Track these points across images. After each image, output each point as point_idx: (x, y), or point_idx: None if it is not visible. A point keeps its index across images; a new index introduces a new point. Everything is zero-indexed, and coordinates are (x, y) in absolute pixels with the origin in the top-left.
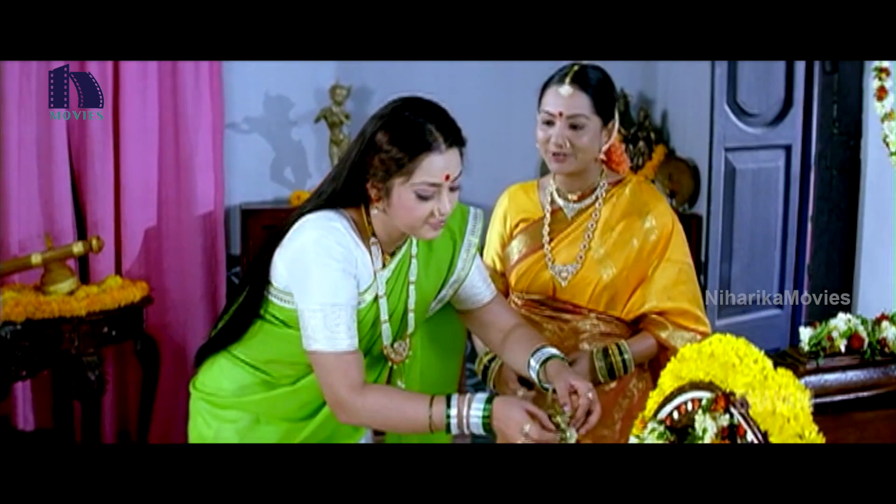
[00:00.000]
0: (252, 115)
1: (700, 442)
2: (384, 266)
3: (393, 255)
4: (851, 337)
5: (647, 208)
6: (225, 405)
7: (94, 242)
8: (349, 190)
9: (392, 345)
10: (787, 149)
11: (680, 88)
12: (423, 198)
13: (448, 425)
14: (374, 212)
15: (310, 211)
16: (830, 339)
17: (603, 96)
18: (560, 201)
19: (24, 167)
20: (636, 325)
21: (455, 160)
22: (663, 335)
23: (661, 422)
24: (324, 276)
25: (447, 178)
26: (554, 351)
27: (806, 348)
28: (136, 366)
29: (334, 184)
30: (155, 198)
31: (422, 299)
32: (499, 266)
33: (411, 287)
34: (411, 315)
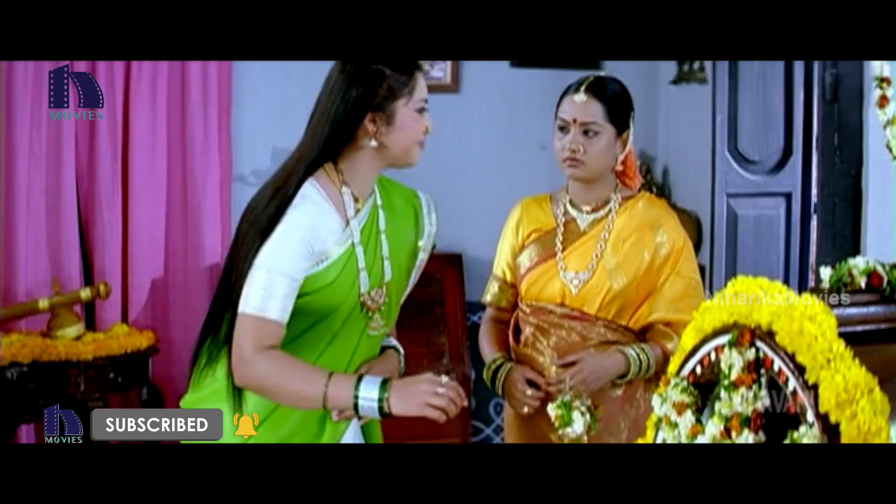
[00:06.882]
0: (260, 168)
1: (726, 380)
2: (356, 213)
3: (365, 202)
4: (871, 275)
5: (659, 222)
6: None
7: (102, 288)
8: (329, 148)
9: (369, 292)
10: (788, 196)
11: (681, 140)
12: (421, 112)
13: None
14: (348, 159)
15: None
16: (851, 275)
17: (617, 106)
18: (573, 212)
19: (33, 215)
20: (642, 336)
21: None
22: (669, 346)
23: (684, 378)
24: (282, 242)
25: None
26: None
27: (827, 285)
28: None
29: (310, 155)
30: (162, 249)
31: (395, 247)
32: (509, 277)
33: (382, 236)
34: (387, 263)
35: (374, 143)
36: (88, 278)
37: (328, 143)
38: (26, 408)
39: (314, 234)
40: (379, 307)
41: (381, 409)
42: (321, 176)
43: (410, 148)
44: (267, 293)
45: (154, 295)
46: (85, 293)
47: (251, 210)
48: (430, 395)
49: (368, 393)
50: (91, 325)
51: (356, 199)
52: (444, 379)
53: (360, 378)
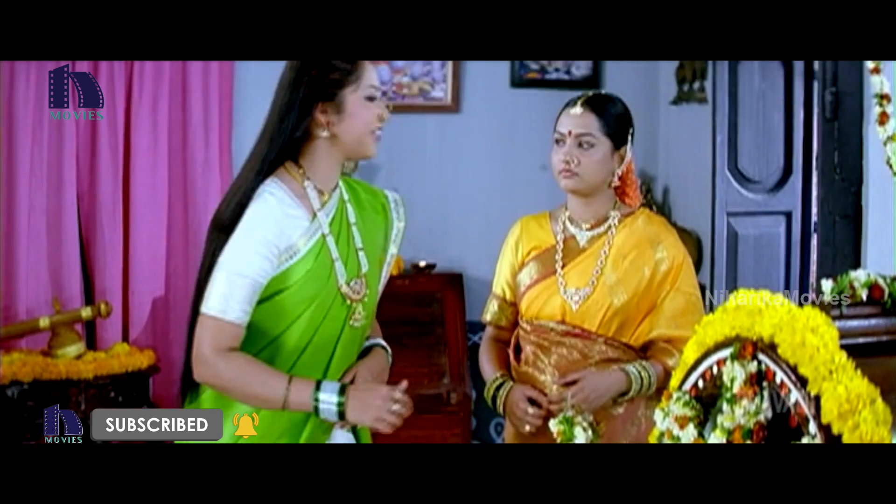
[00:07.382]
0: None
1: (728, 393)
2: (323, 205)
3: (330, 195)
4: (872, 287)
5: (659, 239)
6: None
7: (103, 307)
8: (285, 143)
9: (348, 283)
10: (788, 215)
11: (681, 160)
12: (371, 100)
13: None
14: (307, 154)
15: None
16: (852, 287)
17: (614, 120)
18: (573, 229)
19: (34, 234)
20: (643, 354)
21: None
22: (670, 362)
23: (686, 391)
24: (243, 243)
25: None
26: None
27: (828, 298)
28: None
29: (266, 151)
30: (163, 268)
31: (368, 240)
32: (509, 295)
33: (353, 228)
34: (362, 254)
35: (326, 133)
36: (89, 297)
37: (284, 138)
38: (27, 426)
39: (278, 232)
40: (361, 299)
41: (340, 413)
42: (282, 173)
43: (363, 137)
44: (227, 295)
45: (155, 314)
46: (86, 312)
47: (217, 213)
48: (383, 411)
49: (328, 397)
50: (92, 343)
51: (321, 193)
52: (399, 394)
53: (319, 382)
